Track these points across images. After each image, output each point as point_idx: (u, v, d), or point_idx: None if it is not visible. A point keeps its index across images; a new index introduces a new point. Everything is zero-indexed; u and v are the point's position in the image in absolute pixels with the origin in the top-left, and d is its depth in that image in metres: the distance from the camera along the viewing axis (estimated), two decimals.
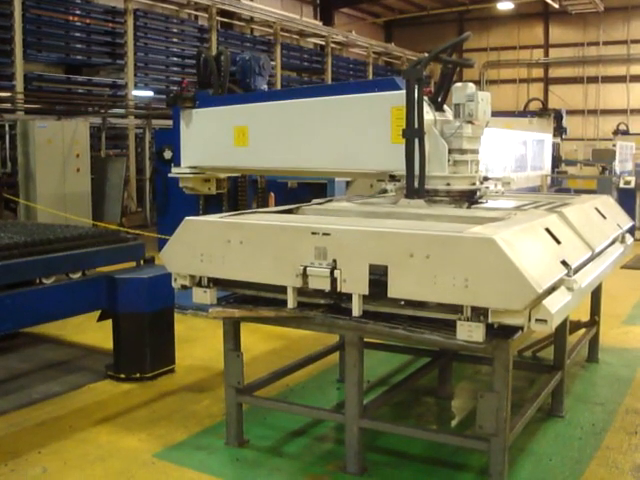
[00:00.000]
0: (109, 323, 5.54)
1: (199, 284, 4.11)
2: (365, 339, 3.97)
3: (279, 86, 20.51)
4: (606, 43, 27.88)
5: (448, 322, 3.47)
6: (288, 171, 6.41)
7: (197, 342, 6.58)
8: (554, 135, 14.06)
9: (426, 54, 4.71)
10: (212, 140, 5.79)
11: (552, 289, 3.46)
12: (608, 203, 5.76)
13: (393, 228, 3.60)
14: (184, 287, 4.17)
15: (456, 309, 3.40)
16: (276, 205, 7.78)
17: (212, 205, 7.27)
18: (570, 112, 19.29)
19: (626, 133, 20.74)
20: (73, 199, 12.79)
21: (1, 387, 5.43)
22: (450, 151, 4.48)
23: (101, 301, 5.40)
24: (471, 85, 4.58)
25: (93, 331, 6.37)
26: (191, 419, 4.81)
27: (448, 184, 4.51)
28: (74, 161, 12.86)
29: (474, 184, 4.63)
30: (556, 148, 14.32)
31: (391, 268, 3.46)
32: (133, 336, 5.43)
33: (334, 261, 3.61)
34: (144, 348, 5.44)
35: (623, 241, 5.26)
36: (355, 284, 3.58)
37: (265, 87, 7.62)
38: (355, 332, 3.83)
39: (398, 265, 3.44)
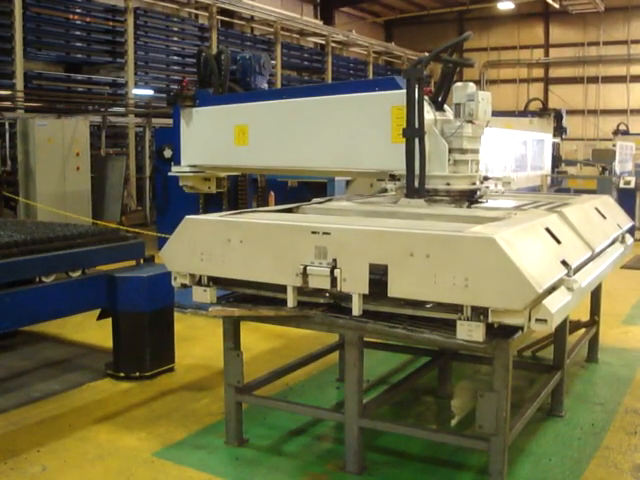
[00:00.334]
0: (109, 322, 5.54)
1: (199, 283, 4.11)
2: (365, 338, 3.97)
3: (279, 85, 20.50)
4: (606, 43, 27.89)
5: (448, 322, 3.47)
6: (288, 170, 6.42)
7: (197, 341, 6.57)
8: (554, 135, 14.04)
9: (426, 53, 4.72)
10: (212, 139, 5.79)
11: (552, 289, 3.46)
12: (608, 203, 5.75)
13: (393, 227, 3.60)
14: (184, 286, 4.18)
15: (456, 309, 3.40)
16: (276, 204, 7.79)
17: (212, 204, 7.27)
18: (570, 112, 19.28)
19: (626, 133, 20.71)
20: (73, 197, 12.79)
21: (1, 385, 5.43)
22: (450, 151, 4.48)
23: (101, 300, 5.39)
24: (471, 85, 4.58)
25: (93, 330, 6.37)
26: (191, 418, 4.81)
27: (448, 184, 4.51)
28: (74, 160, 12.87)
29: (474, 184, 4.63)
30: (556, 148, 14.30)
31: (391, 267, 3.46)
32: (133, 335, 5.43)
33: (334, 260, 3.61)
34: (144, 347, 5.44)
35: (623, 241, 5.27)
36: (355, 283, 3.58)
37: (265, 86, 7.63)
38: (355, 331, 3.83)
39: (398, 264, 3.44)
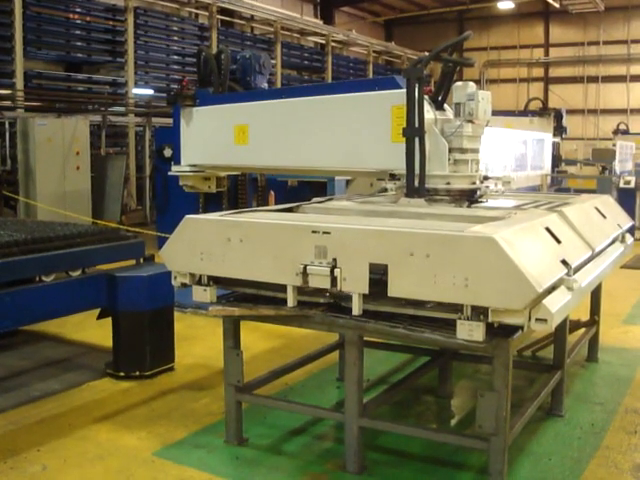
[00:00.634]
0: (109, 321, 5.54)
1: (199, 282, 4.11)
2: (365, 338, 3.97)
3: (279, 85, 20.49)
4: (606, 43, 27.88)
5: (448, 321, 3.47)
6: (288, 170, 6.41)
7: (197, 340, 6.57)
8: (554, 134, 14.04)
9: (426, 53, 4.72)
10: (212, 138, 5.78)
11: (552, 288, 3.45)
12: (608, 203, 5.75)
13: (393, 227, 3.60)
14: (184, 285, 4.18)
15: (456, 308, 3.40)
16: (276, 203, 7.78)
17: (212, 203, 7.27)
18: (570, 111, 19.27)
19: (626, 133, 20.71)
20: (73, 197, 12.80)
21: (0, 385, 5.43)
22: (450, 150, 4.47)
23: (101, 299, 5.39)
24: (471, 84, 4.58)
25: (93, 329, 6.37)
26: (190, 417, 4.81)
27: (448, 183, 4.51)
28: (74, 159, 12.87)
29: (474, 183, 4.63)
30: (556, 147, 14.31)
31: (391, 267, 3.46)
32: (133, 334, 5.43)
33: (334, 260, 3.61)
34: (144, 346, 5.44)
35: (623, 241, 5.26)
36: (355, 283, 3.58)
37: (265, 86, 7.63)
38: (355, 331, 3.83)
39: (398, 264, 3.44)
